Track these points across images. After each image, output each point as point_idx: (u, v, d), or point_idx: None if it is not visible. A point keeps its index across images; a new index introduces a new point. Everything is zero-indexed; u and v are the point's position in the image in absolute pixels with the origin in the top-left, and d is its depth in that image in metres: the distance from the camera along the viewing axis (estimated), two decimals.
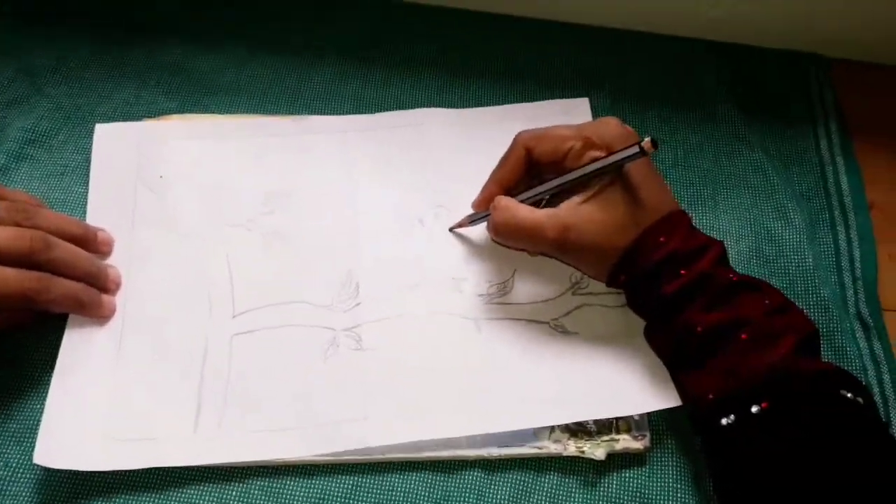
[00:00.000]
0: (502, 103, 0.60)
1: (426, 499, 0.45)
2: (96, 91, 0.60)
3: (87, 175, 0.55)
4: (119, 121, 0.57)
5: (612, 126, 0.47)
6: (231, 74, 0.61)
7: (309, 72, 0.62)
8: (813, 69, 0.63)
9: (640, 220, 0.45)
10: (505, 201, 0.48)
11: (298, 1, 0.65)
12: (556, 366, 0.48)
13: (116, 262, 0.51)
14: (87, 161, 0.55)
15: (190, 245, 0.52)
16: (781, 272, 0.53)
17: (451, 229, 0.53)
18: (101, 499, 0.44)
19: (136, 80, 0.61)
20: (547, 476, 0.45)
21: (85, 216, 0.53)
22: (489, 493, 0.45)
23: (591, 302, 0.50)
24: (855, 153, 0.59)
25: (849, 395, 0.40)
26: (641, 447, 0.45)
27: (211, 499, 0.44)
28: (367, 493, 0.45)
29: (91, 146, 0.55)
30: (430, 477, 0.45)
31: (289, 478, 0.45)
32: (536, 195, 0.48)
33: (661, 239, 0.45)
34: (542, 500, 0.45)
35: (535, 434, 0.46)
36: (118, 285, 0.50)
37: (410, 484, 0.45)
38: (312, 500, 0.44)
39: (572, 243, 0.46)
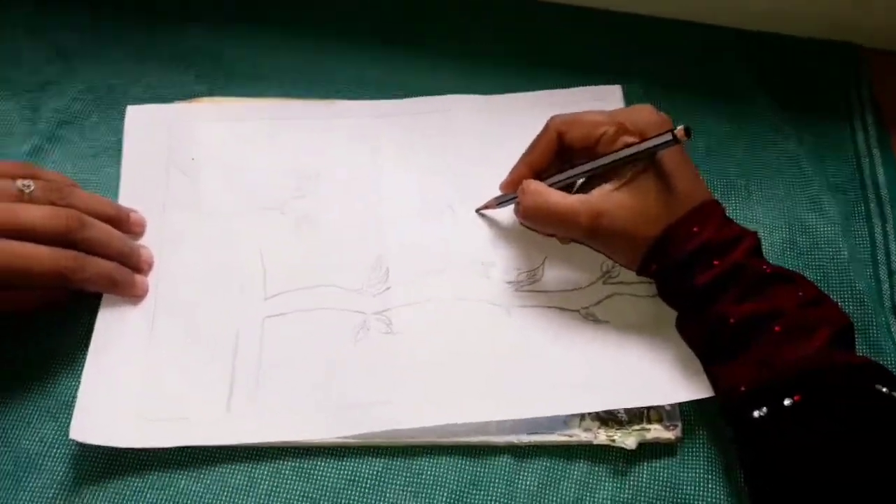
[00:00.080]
0: (531, 90, 0.59)
1: (455, 483, 0.45)
2: (128, 73, 0.60)
3: (120, 156, 0.55)
4: (150, 103, 0.58)
5: (646, 113, 0.47)
6: (261, 59, 0.61)
7: (338, 57, 0.62)
8: (849, 59, 0.62)
9: (673, 209, 0.45)
10: (535, 185, 0.48)
11: None
12: (586, 353, 0.48)
13: (148, 242, 0.51)
14: (120, 142, 0.55)
15: (221, 227, 0.52)
16: (815, 265, 0.52)
17: (477, 210, 0.53)
18: (133, 475, 0.45)
19: (167, 62, 0.61)
20: (576, 464, 0.45)
21: (117, 197, 0.53)
22: (518, 479, 0.45)
23: (623, 291, 0.50)
24: (892, 145, 0.58)
25: (884, 389, 0.40)
26: (673, 437, 0.45)
27: (242, 477, 0.45)
28: (397, 475, 0.45)
29: (123, 128, 0.56)
30: (460, 461, 0.45)
31: (319, 458, 0.45)
32: (567, 179, 0.48)
33: (695, 229, 0.44)
34: (571, 487, 0.45)
35: (566, 422, 0.46)
36: (150, 265, 0.50)
37: (440, 468, 0.45)
38: (342, 481, 0.45)
39: (604, 230, 0.45)
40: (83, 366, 0.46)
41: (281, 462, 0.45)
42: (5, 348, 0.48)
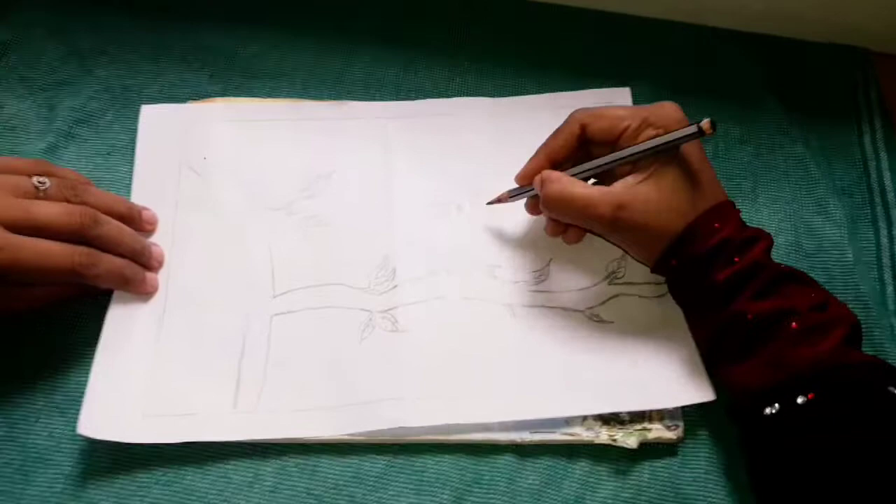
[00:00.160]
0: (540, 93, 0.60)
1: (458, 481, 0.45)
2: (143, 73, 0.61)
3: (133, 155, 0.56)
4: (165, 102, 0.58)
5: (669, 109, 0.47)
6: (274, 59, 0.62)
7: (350, 58, 0.62)
8: (856, 63, 0.62)
9: (696, 205, 0.45)
10: (557, 174, 0.47)
11: None
12: (590, 355, 0.48)
13: (160, 240, 0.52)
14: (133, 141, 0.56)
15: (232, 226, 0.53)
16: (821, 267, 0.52)
17: (489, 203, 0.53)
18: (140, 470, 0.45)
19: (180, 63, 0.62)
20: (578, 463, 0.46)
21: (130, 195, 0.54)
22: (520, 477, 0.45)
23: (628, 292, 0.50)
24: None
25: (895, 391, 0.40)
26: (674, 437, 0.46)
27: (247, 473, 0.45)
28: (400, 472, 0.45)
29: (137, 127, 0.57)
30: (463, 459, 0.46)
31: (324, 455, 0.46)
32: (590, 170, 0.48)
33: (717, 225, 0.44)
34: (572, 486, 0.45)
35: (568, 421, 0.46)
36: (161, 263, 0.51)
37: (443, 465, 0.46)
38: (346, 478, 0.45)
39: (625, 222, 0.45)
40: (93, 362, 0.47)
41: (286, 458, 0.46)
42: (16, 343, 0.49)
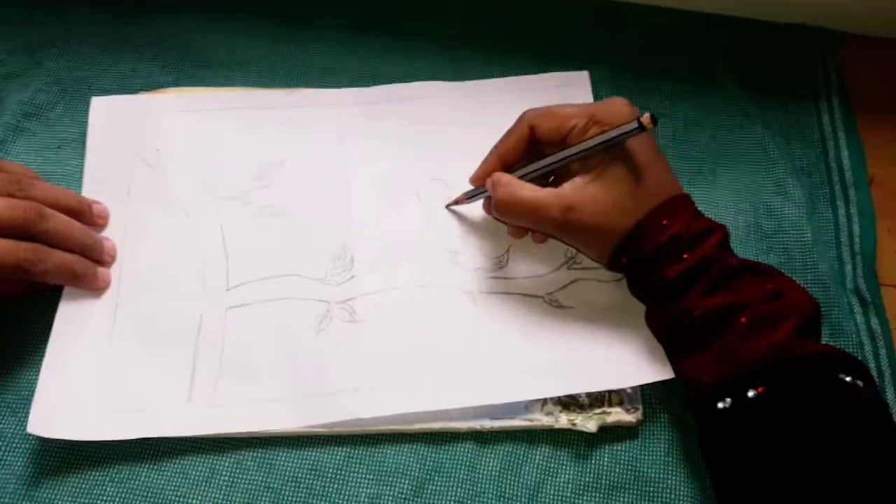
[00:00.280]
0: (500, 76, 0.59)
1: (418, 470, 0.45)
2: (94, 65, 0.60)
3: (84, 148, 0.54)
4: (117, 94, 0.57)
5: (617, 105, 0.46)
6: (228, 48, 0.61)
7: (306, 46, 0.61)
8: (816, 43, 0.62)
9: (643, 203, 0.45)
10: (507, 178, 0.47)
11: None
12: (549, 339, 0.48)
13: (112, 234, 0.51)
14: (84, 134, 0.55)
15: (185, 218, 0.52)
16: (780, 247, 0.52)
17: (447, 206, 0.53)
18: (95, 469, 0.45)
19: (133, 53, 0.61)
20: (539, 448, 0.46)
21: (81, 189, 0.53)
22: (481, 464, 0.45)
23: (586, 276, 0.50)
24: (858, 127, 0.58)
25: (847, 378, 0.40)
26: (634, 420, 0.45)
27: (203, 469, 0.45)
28: (360, 464, 0.45)
29: (88, 119, 0.55)
30: (422, 449, 0.45)
31: (281, 449, 0.45)
32: (535, 171, 0.48)
33: (665, 222, 0.44)
34: (533, 471, 0.45)
35: (527, 406, 0.46)
36: (113, 258, 0.50)
37: (402, 455, 0.45)
38: (305, 470, 0.45)
39: (574, 223, 0.45)
40: (43, 359, 0.46)
41: (242, 452, 0.45)
42: None
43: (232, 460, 0.45)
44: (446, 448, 0.45)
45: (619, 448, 0.46)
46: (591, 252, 0.48)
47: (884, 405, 0.41)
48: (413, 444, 0.46)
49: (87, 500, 0.44)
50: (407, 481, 0.44)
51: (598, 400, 0.46)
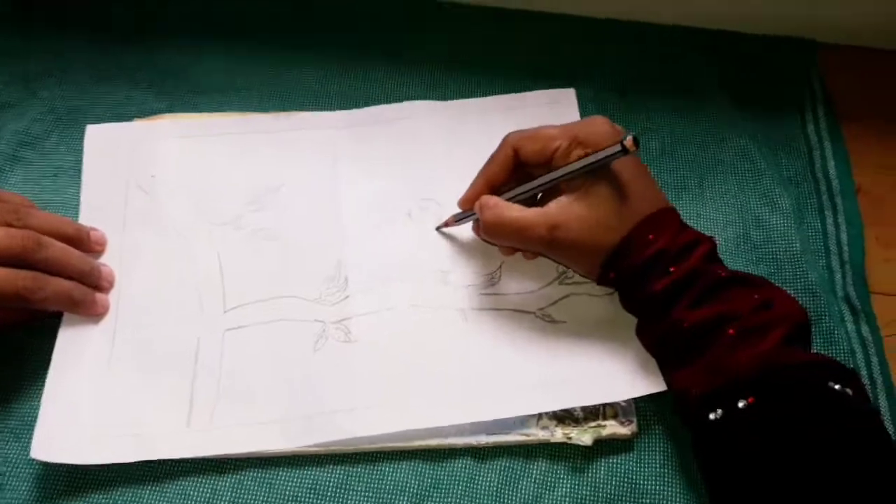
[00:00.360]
0: (486, 95, 0.60)
1: (416, 487, 0.45)
2: (89, 93, 0.61)
3: (80, 176, 0.55)
4: (111, 122, 0.58)
5: (598, 124, 0.47)
6: (221, 75, 0.62)
7: (299, 70, 0.62)
8: (801, 54, 0.63)
9: (628, 218, 0.45)
10: (494, 200, 0.48)
11: (285, 2, 0.66)
12: (542, 354, 0.48)
13: (109, 261, 0.52)
14: (80, 162, 0.56)
15: (181, 243, 0.53)
16: (769, 257, 0.53)
17: (437, 228, 0.54)
18: (98, 492, 0.45)
19: (127, 81, 0.62)
20: (535, 462, 0.46)
21: (78, 216, 0.53)
22: (478, 480, 0.45)
23: (578, 291, 0.51)
24: (844, 137, 0.59)
25: (836, 386, 0.40)
26: (629, 433, 0.46)
27: (205, 490, 0.45)
28: (358, 482, 0.45)
29: (83, 147, 0.56)
30: (420, 466, 0.46)
31: (281, 468, 0.46)
32: (522, 193, 0.48)
33: (650, 237, 0.45)
34: (530, 486, 0.45)
35: (523, 421, 0.46)
36: (111, 283, 0.51)
37: (401, 473, 0.46)
38: (304, 489, 0.45)
39: (561, 241, 0.46)
40: (44, 385, 0.47)
41: (243, 473, 0.46)
42: None
43: (233, 481, 0.45)
44: (444, 464, 0.46)
45: (615, 461, 0.46)
46: (580, 268, 0.49)
47: (874, 412, 0.42)
48: (411, 461, 0.46)
49: None
50: (406, 498, 0.45)
51: (593, 413, 0.46)
